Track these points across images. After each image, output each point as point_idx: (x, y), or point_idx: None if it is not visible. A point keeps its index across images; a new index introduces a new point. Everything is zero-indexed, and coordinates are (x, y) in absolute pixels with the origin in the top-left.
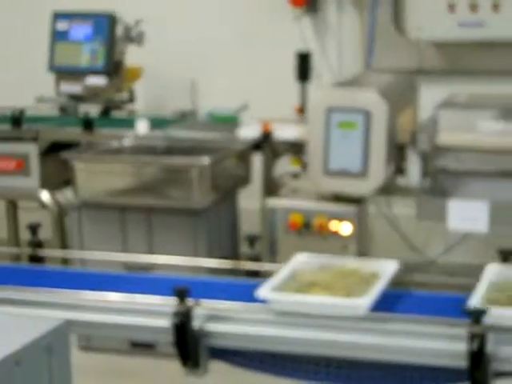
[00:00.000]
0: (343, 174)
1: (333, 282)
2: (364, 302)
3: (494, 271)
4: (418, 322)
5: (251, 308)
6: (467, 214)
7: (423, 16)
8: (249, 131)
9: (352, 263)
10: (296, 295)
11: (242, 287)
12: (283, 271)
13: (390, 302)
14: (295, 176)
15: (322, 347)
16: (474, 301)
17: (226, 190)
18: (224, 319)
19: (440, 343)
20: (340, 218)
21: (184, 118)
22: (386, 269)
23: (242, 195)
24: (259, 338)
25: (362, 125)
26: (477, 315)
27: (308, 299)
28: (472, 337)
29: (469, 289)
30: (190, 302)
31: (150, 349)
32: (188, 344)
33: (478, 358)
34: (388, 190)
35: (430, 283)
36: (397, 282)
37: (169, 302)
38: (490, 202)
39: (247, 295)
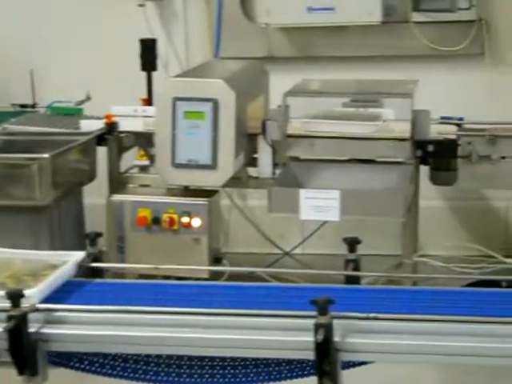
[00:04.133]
0: (192, 166)
1: None
2: None
3: None
4: (263, 315)
5: (91, 309)
6: (319, 204)
7: (272, 1)
8: (92, 124)
9: None
10: None
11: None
12: None
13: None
14: (143, 169)
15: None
16: None
17: (70, 185)
18: (63, 322)
19: (287, 336)
20: (190, 211)
21: (23, 111)
22: None
23: (88, 191)
24: (101, 340)
25: (210, 114)
26: (323, 306)
27: None
28: (317, 328)
29: (322, 280)
30: (25, 305)
31: None
32: (24, 350)
33: (325, 349)
34: (240, 181)
35: (285, 275)
36: (251, 276)
37: (3, 307)
38: (343, 190)
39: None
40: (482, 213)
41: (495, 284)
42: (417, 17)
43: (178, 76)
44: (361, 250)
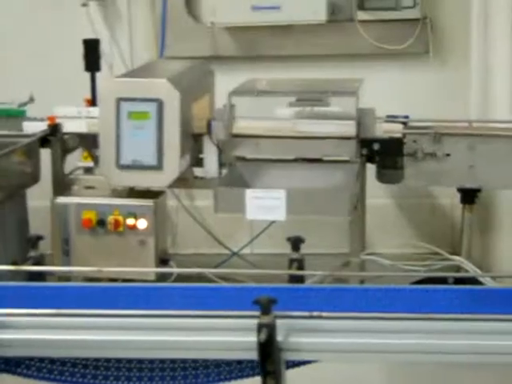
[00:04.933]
0: (137, 166)
1: None
2: None
3: None
4: (206, 316)
5: (33, 313)
6: (265, 203)
7: (217, 1)
8: (35, 125)
9: None
10: None
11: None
12: None
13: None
14: (88, 171)
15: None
16: None
17: (13, 188)
18: (5, 327)
19: (231, 336)
20: (136, 212)
21: None
22: None
23: (32, 193)
24: (46, 345)
25: (155, 115)
26: (265, 305)
27: None
28: (260, 327)
29: (271, 280)
30: None
31: None
32: None
33: (268, 348)
34: (186, 181)
35: (233, 276)
36: (199, 277)
37: None
38: (289, 189)
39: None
40: (429, 210)
41: (442, 281)
42: (362, 15)
43: (121, 76)
44: (309, 248)
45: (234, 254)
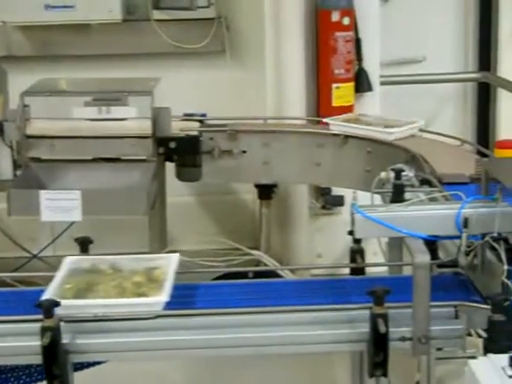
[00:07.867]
0: None
1: None
2: None
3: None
4: None
5: None
6: (60, 204)
7: None
8: None
9: None
10: None
11: None
12: None
13: None
14: None
15: None
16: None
17: None
18: None
19: (15, 341)
20: None
21: None
22: None
23: None
24: None
25: None
26: (47, 308)
27: None
28: (43, 331)
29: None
30: None
31: None
32: None
33: (53, 352)
34: None
35: (31, 279)
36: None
37: None
38: (85, 189)
39: None
40: (231, 206)
41: (242, 275)
42: (158, 15)
43: None
44: (112, 248)
45: (34, 256)
